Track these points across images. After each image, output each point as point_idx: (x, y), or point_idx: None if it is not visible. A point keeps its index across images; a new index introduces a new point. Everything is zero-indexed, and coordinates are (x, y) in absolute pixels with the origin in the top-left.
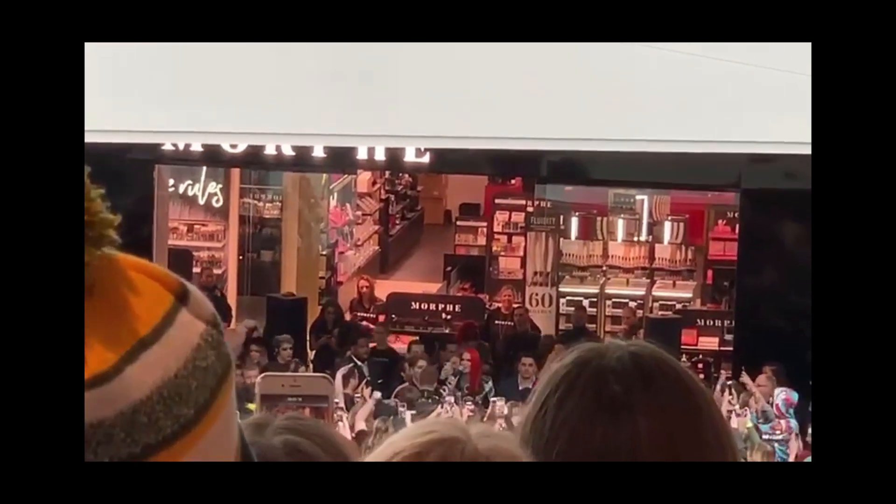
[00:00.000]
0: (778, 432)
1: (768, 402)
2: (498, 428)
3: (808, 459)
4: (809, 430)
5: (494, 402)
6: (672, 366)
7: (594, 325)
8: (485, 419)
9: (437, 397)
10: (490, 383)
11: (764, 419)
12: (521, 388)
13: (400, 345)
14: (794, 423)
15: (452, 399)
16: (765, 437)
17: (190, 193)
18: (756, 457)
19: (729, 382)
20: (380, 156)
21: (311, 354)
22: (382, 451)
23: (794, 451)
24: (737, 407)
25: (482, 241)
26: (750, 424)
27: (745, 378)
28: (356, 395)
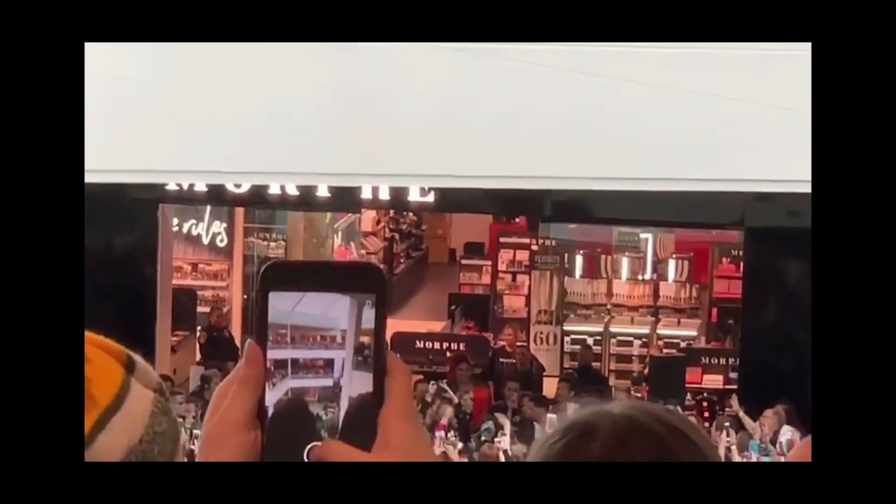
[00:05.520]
0: None
1: (772, 441)
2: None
3: None
4: None
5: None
6: (662, 443)
7: (599, 364)
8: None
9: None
10: (490, 423)
11: (765, 453)
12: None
13: None
14: None
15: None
16: None
17: (194, 233)
18: None
19: (726, 424)
20: (384, 195)
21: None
22: None
23: None
24: (732, 447)
25: (487, 279)
26: (754, 457)
27: (742, 416)
28: None
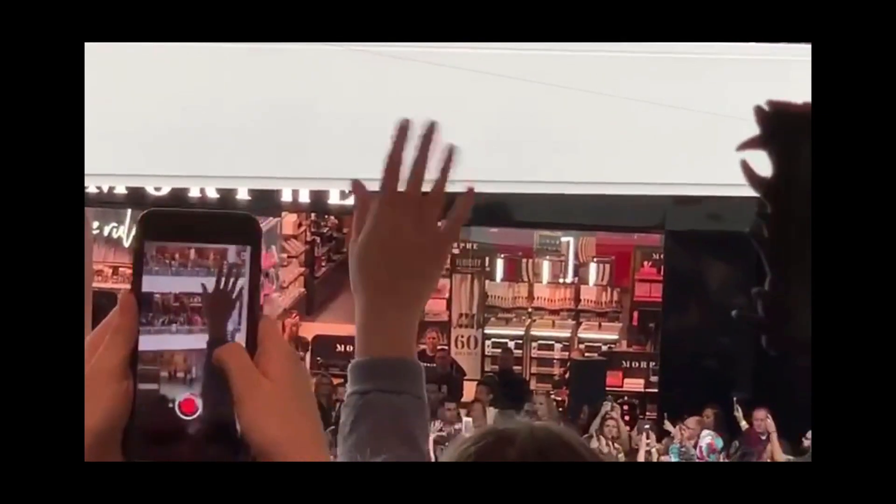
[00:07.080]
0: None
1: (693, 444)
2: None
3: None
4: None
5: None
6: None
7: (520, 368)
8: None
9: None
10: None
11: (685, 457)
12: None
13: None
14: None
15: None
16: None
17: (115, 236)
18: None
19: (647, 426)
20: (304, 198)
21: None
22: None
23: None
24: (653, 450)
25: None
26: (674, 461)
27: (666, 424)
28: None
